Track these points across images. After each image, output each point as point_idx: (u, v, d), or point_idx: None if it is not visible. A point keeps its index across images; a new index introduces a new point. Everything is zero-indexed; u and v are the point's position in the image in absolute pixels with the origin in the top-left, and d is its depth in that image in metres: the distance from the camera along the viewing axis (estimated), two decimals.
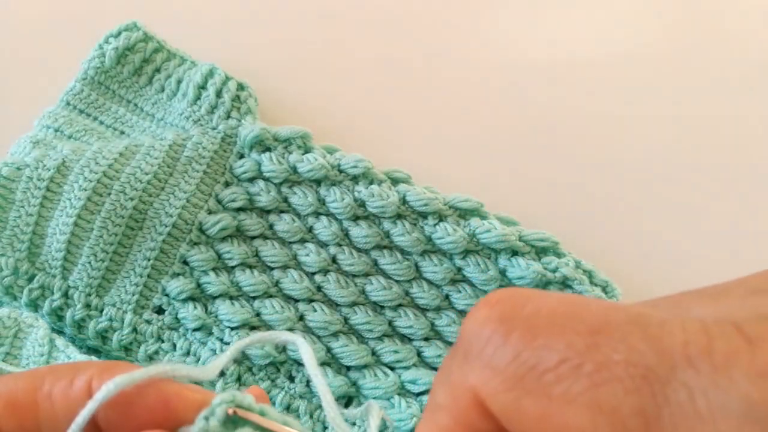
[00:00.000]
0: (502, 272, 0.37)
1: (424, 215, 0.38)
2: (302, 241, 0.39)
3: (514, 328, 0.15)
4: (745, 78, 0.45)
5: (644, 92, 0.45)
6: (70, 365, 0.18)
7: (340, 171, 0.39)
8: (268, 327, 0.38)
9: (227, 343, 0.37)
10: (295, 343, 0.19)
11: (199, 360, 0.37)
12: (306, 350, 0.18)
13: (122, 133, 0.41)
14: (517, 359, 0.14)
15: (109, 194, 0.37)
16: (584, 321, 0.14)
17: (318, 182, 0.39)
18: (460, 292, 0.38)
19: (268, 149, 0.39)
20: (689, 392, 0.12)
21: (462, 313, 0.38)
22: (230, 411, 0.17)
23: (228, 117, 0.40)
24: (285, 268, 0.39)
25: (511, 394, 0.14)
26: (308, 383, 0.38)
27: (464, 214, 0.38)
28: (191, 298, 0.38)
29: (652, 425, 0.13)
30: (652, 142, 0.43)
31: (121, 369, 0.17)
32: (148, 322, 0.38)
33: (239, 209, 0.39)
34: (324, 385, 0.18)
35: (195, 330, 0.38)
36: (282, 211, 0.39)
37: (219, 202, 0.39)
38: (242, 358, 0.37)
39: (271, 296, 0.38)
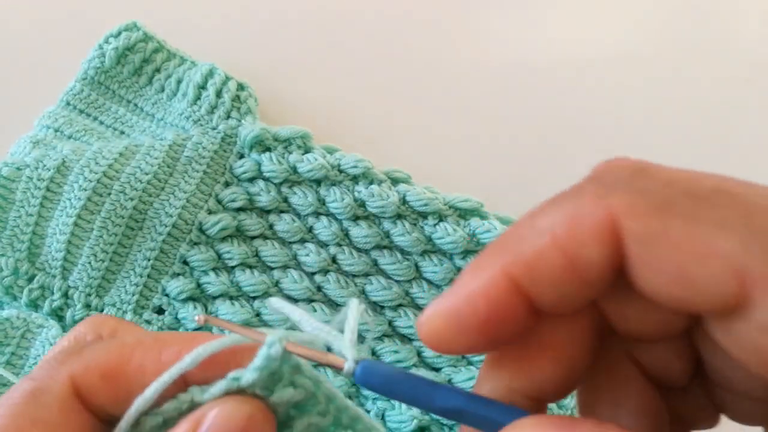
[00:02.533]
0: None
1: (424, 215, 0.38)
2: (302, 241, 0.39)
3: (658, 167, 0.15)
4: (746, 77, 0.45)
5: (644, 92, 0.45)
6: (155, 338, 0.18)
7: (340, 171, 0.39)
8: (268, 327, 0.38)
9: None
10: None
11: None
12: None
13: (122, 133, 0.41)
14: (670, 185, 0.14)
15: (109, 194, 0.37)
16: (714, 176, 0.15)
17: (318, 182, 0.39)
18: None
19: (268, 149, 0.39)
20: None
21: None
22: (287, 345, 0.17)
23: (228, 117, 0.40)
24: (285, 268, 0.39)
25: (658, 217, 0.14)
26: None
27: (464, 214, 0.38)
28: (191, 298, 0.38)
29: None
30: (651, 142, 0.43)
31: (203, 339, 0.18)
32: (149, 322, 0.38)
33: (239, 209, 0.39)
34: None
35: (195, 330, 0.38)
36: (282, 211, 0.39)
37: (219, 202, 0.39)
38: None
39: (271, 296, 0.38)
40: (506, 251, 0.15)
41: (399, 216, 0.38)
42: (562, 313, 0.16)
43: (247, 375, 0.17)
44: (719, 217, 0.13)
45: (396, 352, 0.37)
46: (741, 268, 0.13)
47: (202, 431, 0.16)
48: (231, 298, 0.38)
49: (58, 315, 0.37)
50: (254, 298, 0.38)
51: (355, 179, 0.39)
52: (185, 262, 0.38)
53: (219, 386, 0.17)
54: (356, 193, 0.38)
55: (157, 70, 0.41)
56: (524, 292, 0.15)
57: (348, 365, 0.17)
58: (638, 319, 0.16)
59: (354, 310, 0.18)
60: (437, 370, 0.38)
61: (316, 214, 0.39)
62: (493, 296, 0.15)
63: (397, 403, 0.36)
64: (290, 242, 0.39)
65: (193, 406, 0.17)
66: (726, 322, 0.14)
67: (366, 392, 0.37)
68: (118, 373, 0.17)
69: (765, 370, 0.14)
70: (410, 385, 0.17)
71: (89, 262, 0.37)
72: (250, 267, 0.39)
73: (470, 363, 0.38)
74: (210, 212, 0.39)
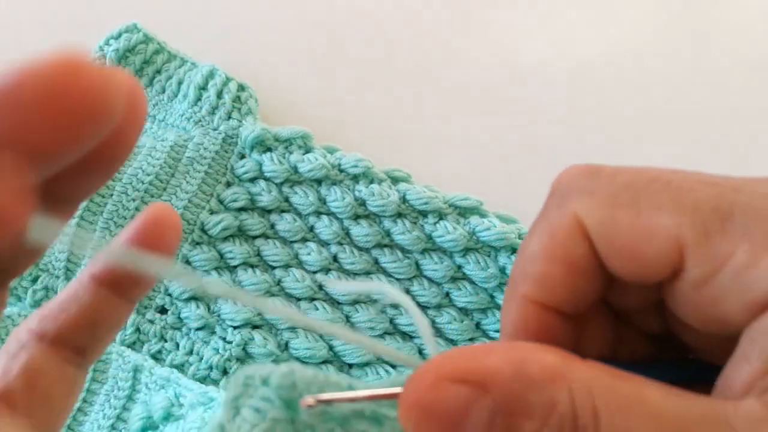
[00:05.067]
0: (502, 270, 0.38)
1: (424, 214, 0.38)
2: (303, 240, 0.39)
3: (603, 168, 0.18)
4: (746, 77, 0.45)
5: (644, 92, 0.45)
6: None
7: (341, 170, 0.39)
8: (270, 326, 0.38)
9: (230, 342, 0.38)
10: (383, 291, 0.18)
11: (201, 359, 0.38)
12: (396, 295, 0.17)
13: None
14: (612, 182, 0.17)
15: (111, 195, 0.38)
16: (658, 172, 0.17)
17: (319, 182, 0.39)
18: (460, 289, 0.38)
19: (269, 149, 0.39)
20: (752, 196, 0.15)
21: (462, 310, 0.39)
22: (311, 402, 0.15)
23: (229, 118, 0.40)
24: (287, 267, 0.39)
25: (607, 210, 0.16)
26: None
27: (464, 212, 0.38)
28: (194, 298, 0.38)
29: (726, 220, 0.15)
30: (651, 142, 0.44)
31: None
32: (151, 321, 0.38)
33: (241, 209, 0.39)
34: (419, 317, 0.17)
35: (198, 329, 0.38)
36: (283, 211, 0.40)
37: (221, 202, 0.39)
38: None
39: (273, 295, 0.39)
40: (520, 282, 0.18)
41: (399, 215, 0.39)
42: (589, 306, 0.18)
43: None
44: (656, 201, 0.16)
45: (397, 349, 0.38)
46: (676, 239, 0.15)
47: None
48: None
49: None
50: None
51: (355, 179, 0.39)
52: (187, 262, 0.39)
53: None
54: (357, 193, 0.39)
55: (158, 72, 0.42)
56: (550, 308, 0.18)
57: None
58: (618, 295, 0.19)
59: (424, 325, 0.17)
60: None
61: (317, 214, 0.39)
62: (530, 322, 0.18)
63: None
64: (291, 241, 0.39)
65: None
66: (673, 289, 0.16)
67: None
68: None
69: (704, 325, 0.16)
70: None
71: None
72: (252, 266, 0.39)
73: None
74: (212, 212, 0.39)
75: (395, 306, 0.39)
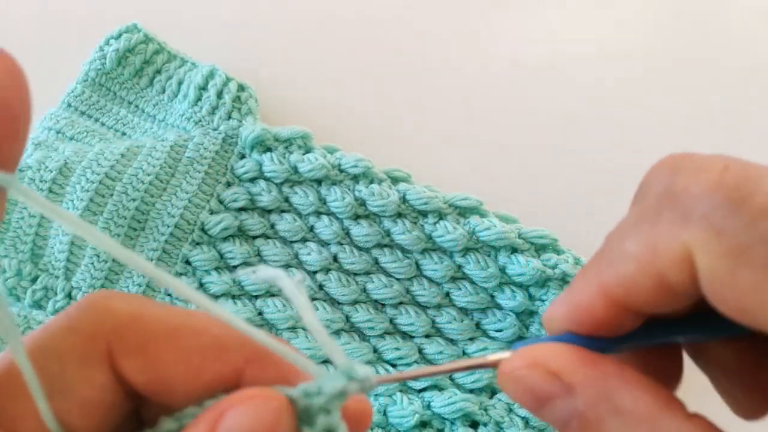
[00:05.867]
0: (502, 269, 0.38)
1: (424, 214, 0.38)
2: (303, 240, 0.39)
3: (750, 197, 0.14)
4: (746, 77, 0.46)
5: (645, 91, 0.45)
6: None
7: (341, 170, 0.39)
8: (271, 326, 0.38)
9: None
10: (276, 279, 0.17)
11: None
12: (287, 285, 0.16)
13: (123, 134, 0.42)
14: (749, 229, 0.14)
15: (112, 195, 0.38)
16: None
17: (319, 182, 0.39)
18: (460, 289, 0.38)
19: (269, 149, 0.39)
20: None
21: (462, 310, 0.39)
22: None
23: (229, 118, 0.40)
24: (287, 267, 0.39)
25: (729, 261, 0.14)
26: None
27: (464, 212, 0.38)
28: None
29: None
30: (651, 141, 0.44)
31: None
32: None
33: (241, 209, 0.39)
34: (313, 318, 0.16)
35: None
36: (283, 211, 0.40)
37: (221, 202, 0.39)
38: None
39: (273, 295, 0.39)
40: (601, 273, 0.18)
41: (399, 215, 0.39)
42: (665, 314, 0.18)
43: (326, 390, 0.15)
44: None
45: (397, 348, 0.38)
46: None
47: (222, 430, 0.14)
48: (233, 297, 0.38)
49: None
50: (256, 297, 0.39)
51: (355, 179, 0.39)
52: (188, 262, 0.39)
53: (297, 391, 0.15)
54: (357, 193, 0.39)
55: (158, 72, 0.42)
56: (624, 306, 0.17)
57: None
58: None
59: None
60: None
61: (317, 214, 0.39)
62: (596, 311, 0.18)
63: (398, 398, 0.37)
64: (292, 241, 0.39)
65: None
66: None
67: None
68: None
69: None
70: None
71: (92, 263, 0.37)
72: (252, 266, 0.39)
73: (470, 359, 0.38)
74: (212, 212, 0.39)
75: (395, 306, 0.39)
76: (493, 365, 0.19)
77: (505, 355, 0.18)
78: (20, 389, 0.14)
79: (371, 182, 0.39)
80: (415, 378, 0.20)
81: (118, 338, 0.16)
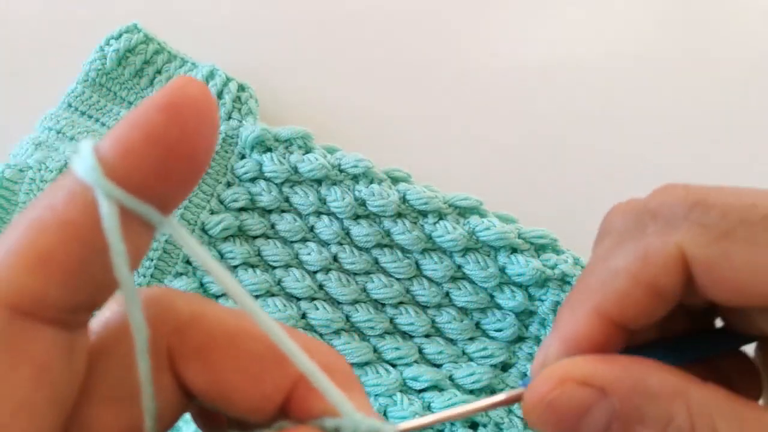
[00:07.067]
0: (502, 269, 0.38)
1: (424, 214, 0.39)
2: (304, 240, 0.39)
3: (713, 201, 0.17)
4: (746, 77, 0.46)
5: (646, 92, 0.45)
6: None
7: (341, 171, 0.39)
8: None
9: None
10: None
11: None
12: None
13: None
14: (726, 218, 0.17)
15: None
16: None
17: (319, 182, 0.39)
18: (460, 289, 0.38)
19: (269, 150, 0.39)
20: None
21: (462, 309, 0.39)
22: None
23: (229, 118, 0.40)
24: (287, 267, 0.39)
25: (720, 245, 0.17)
26: None
27: (464, 212, 0.39)
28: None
29: None
30: (652, 142, 0.44)
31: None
32: None
33: (241, 209, 0.39)
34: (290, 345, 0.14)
35: None
36: (283, 211, 0.40)
37: (221, 202, 0.39)
38: None
39: (273, 295, 0.39)
40: (593, 294, 0.19)
41: (399, 215, 0.39)
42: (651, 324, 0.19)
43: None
44: None
45: (397, 348, 0.38)
46: None
47: None
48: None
49: None
50: (256, 297, 0.39)
51: (355, 179, 0.39)
52: (188, 262, 0.39)
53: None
54: (357, 193, 0.39)
55: (158, 72, 0.42)
56: (617, 323, 0.18)
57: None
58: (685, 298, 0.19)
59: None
60: (438, 366, 0.38)
61: (317, 214, 0.39)
62: (595, 335, 0.18)
63: (398, 398, 0.37)
64: (292, 241, 0.39)
65: None
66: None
67: (367, 389, 0.37)
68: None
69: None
70: None
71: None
72: (253, 266, 0.39)
73: (471, 359, 0.38)
74: (212, 212, 0.39)
75: (395, 306, 0.39)
76: (517, 399, 0.18)
77: (520, 389, 0.18)
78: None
79: (371, 182, 0.39)
80: (441, 422, 0.19)
81: (180, 339, 0.15)
